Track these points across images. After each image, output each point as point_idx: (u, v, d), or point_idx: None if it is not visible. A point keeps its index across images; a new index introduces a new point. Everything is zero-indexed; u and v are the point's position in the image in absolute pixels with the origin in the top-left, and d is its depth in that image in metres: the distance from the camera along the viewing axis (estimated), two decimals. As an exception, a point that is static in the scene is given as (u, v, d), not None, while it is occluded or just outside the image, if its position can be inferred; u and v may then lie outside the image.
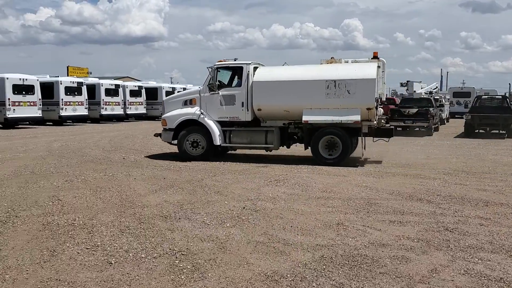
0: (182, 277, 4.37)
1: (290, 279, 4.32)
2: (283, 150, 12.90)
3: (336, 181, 9.34)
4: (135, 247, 5.17)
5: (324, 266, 4.63)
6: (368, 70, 11.59)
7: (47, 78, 27.55)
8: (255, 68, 12.43)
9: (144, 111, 34.08)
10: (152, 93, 35.00)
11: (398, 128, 19.63)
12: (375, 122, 11.62)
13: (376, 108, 11.54)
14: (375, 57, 12.52)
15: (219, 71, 12.60)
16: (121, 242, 5.36)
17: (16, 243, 5.27)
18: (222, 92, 12.35)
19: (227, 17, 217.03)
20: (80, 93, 27.99)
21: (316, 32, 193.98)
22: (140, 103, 33.79)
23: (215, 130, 12.14)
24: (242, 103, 12.15)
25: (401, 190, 8.32)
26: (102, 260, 4.78)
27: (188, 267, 4.60)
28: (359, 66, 12.13)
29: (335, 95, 11.44)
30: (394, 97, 43.58)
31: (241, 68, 12.39)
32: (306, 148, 11.99)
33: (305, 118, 11.60)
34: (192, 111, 12.46)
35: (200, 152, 12.29)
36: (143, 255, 4.92)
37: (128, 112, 32.54)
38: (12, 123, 24.36)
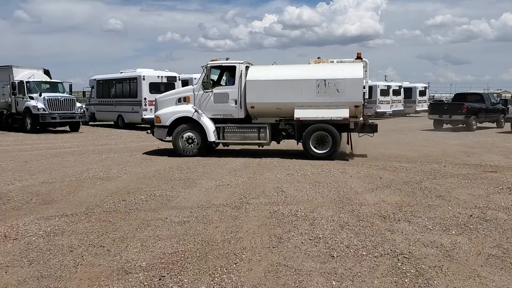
0: (406, 280, 4.22)
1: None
2: (279, 145, 13.03)
3: None
4: (355, 244, 5.22)
5: None
6: (355, 70, 12.27)
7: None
8: (246, 68, 12.99)
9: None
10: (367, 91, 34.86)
11: None
12: (361, 118, 12.39)
13: (363, 106, 12.29)
14: (359, 57, 12.90)
15: (213, 70, 13.18)
16: (342, 237, 5.47)
17: (249, 227, 5.87)
18: (215, 90, 12.93)
19: (449, 9, 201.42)
20: None
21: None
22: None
23: (209, 127, 12.71)
24: (235, 101, 12.77)
25: None
26: (324, 252, 4.96)
27: (412, 271, 4.43)
28: (347, 66, 12.65)
29: (325, 93, 12.13)
30: None
31: (234, 67, 12.95)
32: (298, 143, 12.70)
33: (297, 115, 12.27)
34: (187, 109, 12.95)
35: (195, 148, 12.88)
36: (364, 253, 4.93)
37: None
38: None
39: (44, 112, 21.10)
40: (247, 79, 12.72)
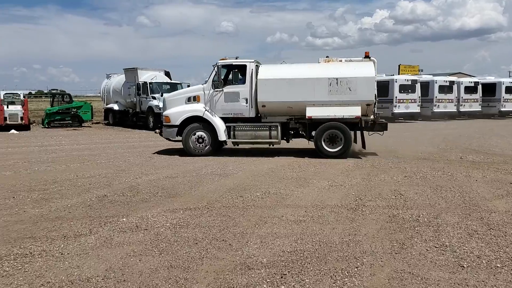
0: (552, 300, 3.79)
1: None
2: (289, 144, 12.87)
3: None
4: (487, 254, 4.81)
5: None
6: (367, 69, 12.32)
7: (383, 77, 28.85)
8: (256, 66, 12.91)
9: (479, 108, 31.63)
10: (489, 89, 32.01)
11: None
12: (372, 117, 12.39)
13: (374, 104, 12.23)
14: (367, 56, 12.80)
15: (222, 69, 12.96)
16: (471, 246, 5.07)
17: (367, 230, 5.70)
18: (226, 89, 12.81)
19: None
20: (413, 91, 28.31)
21: None
22: (475, 100, 31.49)
23: (220, 126, 12.64)
24: (246, 99, 12.70)
25: None
26: (453, 261, 4.63)
27: (559, 290, 3.96)
28: (358, 65, 12.59)
29: (337, 92, 12.13)
30: None
31: (245, 66, 12.83)
32: (309, 141, 12.81)
33: (308, 113, 12.29)
34: (197, 108, 12.87)
35: (205, 147, 12.84)
36: (498, 265, 4.52)
37: (461, 109, 30.88)
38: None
39: (165, 111, 22.59)
40: (258, 78, 12.71)
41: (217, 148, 13.23)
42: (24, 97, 25.10)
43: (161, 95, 22.86)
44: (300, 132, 12.97)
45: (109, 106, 27.73)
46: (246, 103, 12.75)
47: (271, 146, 13.38)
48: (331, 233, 5.58)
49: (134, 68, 24.97)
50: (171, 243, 5.22)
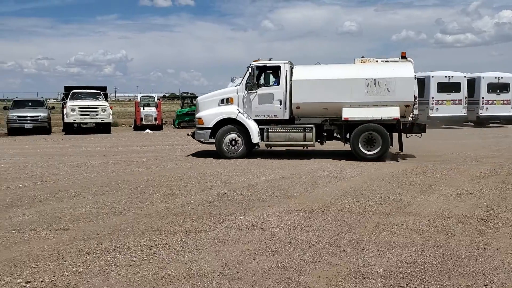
0: None
1: None
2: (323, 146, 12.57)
3: None
4: None
5: None
6: (406, 69, 12.08)
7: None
8: (291, 67, 12.66)
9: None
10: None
11: None
12: (410, 118, 12.18)
13: (413, 105, 12.02)
14: (404, 57, 12.56)
15: (257, 70, 12.71)
16: None
17: (500, 245, 5.13)
18: (260, 91, 12.61)
19: None
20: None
21: None
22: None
23: (254, 128, 12.48)
24: (280, 101, 12.51)
25: None
26: None
27: None
28: (396, 65, 12.33)
29: (374, 92, 11.88)
30: None
31: (279, 67, 12.63)
32: (345, 144, 12.48)
33: (345, 115, 12.02)
34: (231, 110, 12.68)
35: (239, 150, 12.65)
36: None
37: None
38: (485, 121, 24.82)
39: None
40: (293, 79, 12.50)
41: (250, 151, 13.18)
42: (158, 99, 27.34)
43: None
44: (335, 134, 12.85)
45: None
46: (280, 104, 12.62)
47: (305, 149, 13.17)
48: (456, 246, 5.12)
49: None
50: (284, 244, 5.22)
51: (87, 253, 4.95)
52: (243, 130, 12.71)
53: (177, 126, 27.81)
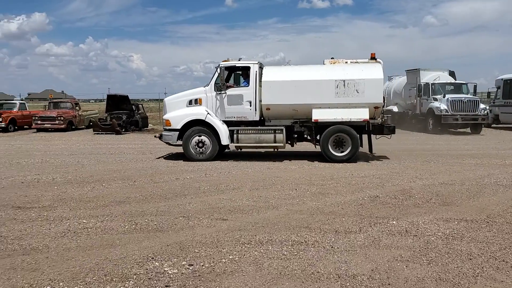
0: None
1: None
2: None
3: None
4: None
5: None
6: (375, 70, 12.04)
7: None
8: (260, 68, 12.47)
9: None
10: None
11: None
12: (379, 120, 12.13)
13: (382, 107, 12.01)
14: (373, 58, 12.51)
15: (226, 71, 12.47)
16: None
17: None
18: (229, 91, 12.33)
19: None
20: None
21: None
22: None
23: (223, 129, 12.16)
24: (250, 102, 12.27)
25: None
26: None
27: None
28: (366, 66, 12.24)
29: (344, 94, 11.86)
30: None
31: (248, 67, 12.39)
32: (315, 145, 12.47)
33: (315, 116, 11.99)
34: (199, 111, 12.35)
35: (207, 152, 12.32)
36: None
37: None
38: None
39: (447, 113, 21.32)
40: (263, 80, 12.24)
41: (220, 153, 12.78)
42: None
43: (443, 96, 21.72)
44: (305, 135, 12.60)
45: (388, 108, 27.87)
46: (250, 106, 12.30)
47: (275, 151, 12.89)
48: None
49: (416, 69, 24.47)
50: (441, 254, 4.88)
51: (243, 243, 5.27)
52: (212, 132, 12.35)
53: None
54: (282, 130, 12.19)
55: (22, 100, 36.38)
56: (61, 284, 4.15)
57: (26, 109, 28.28)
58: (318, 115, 12.04)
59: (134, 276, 4.32)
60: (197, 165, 11.67)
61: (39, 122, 25.00)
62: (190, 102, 12.71)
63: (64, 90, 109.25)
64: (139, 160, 12.77)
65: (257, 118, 12.40)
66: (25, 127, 26.77)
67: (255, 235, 5.55)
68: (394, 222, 6.17)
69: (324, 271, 4.42)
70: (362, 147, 12.49)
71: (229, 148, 13.38)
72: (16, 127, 26.00)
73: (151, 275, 4.35)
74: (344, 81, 11.93)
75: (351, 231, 5.74)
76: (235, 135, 12.28)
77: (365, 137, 12.52)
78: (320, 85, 12.11)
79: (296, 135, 12.73)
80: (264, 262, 4.68)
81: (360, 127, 12.11)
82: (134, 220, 6.32)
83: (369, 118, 11.93)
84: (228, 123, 12.44)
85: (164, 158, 13.17)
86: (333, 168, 11.04)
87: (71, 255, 4.90)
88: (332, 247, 5.14)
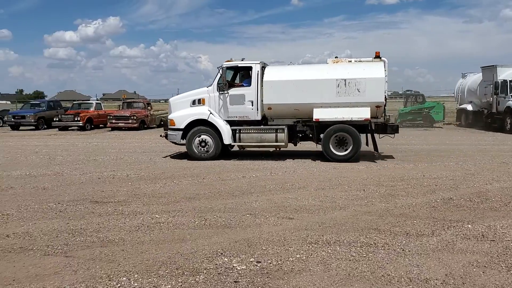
0: None
1: None
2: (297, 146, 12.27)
3: None
4: None
5: None
6: (377, 69, 11.92)
7: None
8: (262, 68, 12.46)
9: None
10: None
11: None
12: (382, 119, 12.10)
13: (384, 106, 11.73)
14: (378, 56, 12.39)
15: (228, 71, 12.67)
16: None
17: None
18: (231, 91, 12.43)
19: None
20: None
21: None
22: None
23: (225, 129, 12.30)
24: (252, 102, 12.35)
25: None
26: None
27: None
28: (368, 65, 12.17)
29: (345, 93, 11.76)
30: None
31: (250, 67, 12.47)
32: (317, 144, 12.41)
33: (316, 116, 11.97)
34: (202, 111, 12.53)
35: (209, 151, 12.47)
36: None
37: None
38: None
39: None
40: (264, 79, 12.27)
41: (223, 152, 12.81)
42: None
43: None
44: (309, 135, 12.51)
45: (462, 106, 26.65)
46: (252, 105, 12.38)
47: (278, 150, 13.00)
48: None
49: (493, 65, 23.15)
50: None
51: (310, 242, 5.25)
52: (214, 132, 12.47)
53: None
54: (283, 129, 12.28)
55: (97, 100, 38.50)
56: (136, 276, 4.35)
57: (102, 109, 29.87)
58: (319, 114, 12.06)
59: (205, 271, 4.44)
60: (262, 163, 11.76)
61: (113, 121, 26.31)
62: (193, 102, 12.95)
63: (136, 90, 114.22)
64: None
65: (259, 117, 12.51)
66: (100, 126, 28.26)
67: (322, 235, 5.51)
68: (469, 225, 5.88)
69: (394, 274, 4.30)
70: (368, 146, 12.61)
71: (232, 147, 13.44)
72: (92, 126, 27.50)
73: (221, 270, 4.45)
74: (345, 80, 11.88)
75: (423, 234, 5.55)
76: (237, 135, 12.45)
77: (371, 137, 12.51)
78: (321, 85, 12.10)
79: (300, 135, 12.74)
80: (332, 262, 4.63)
81: (362, 126, 12.13)
82: (203, 216, 6.49)
83: (371, 117, 11.93)
84: (231, 123, 12.58)
85: (231, 157, 13.39)
86: (404, 169, 10.70)
87: (145, 248, 5.13)
88: (403, 250, 4.99)
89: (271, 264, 4.59)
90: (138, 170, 10.95)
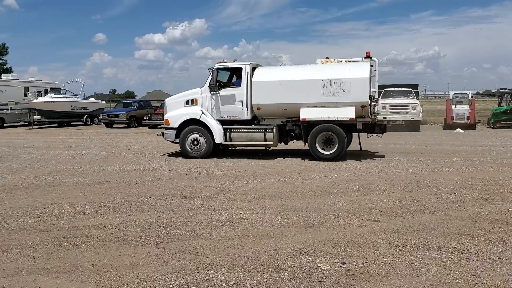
0: None
1: None
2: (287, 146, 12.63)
3: None
4: None
5: None
6: (361, 69, 12.01)
7: None
8: (253, 69, 12.84)
9: None
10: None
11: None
12: (369, 118, 12.02)
13: (370, 105, 11.84)
14: (368, 56, 12.69)
15: (219, 72, 13.01)
16: None
17: None
18: (222, 92, 12.85)
19: None
20: None
21: None
22: None
23: (216, 128, 12.77)
24: (242, 102, 12.71)
25: None
26: None
27: None
28: (353, 66, 12.40)
29: (330, 93, 11.95)
30: None
31: (240, 69, 12.84)
32: (305, 144, 12.52)
33: (302, 116, 12.19)
34: (194, 111, 13.02)
35: (202, 149, 12.96)
36: None
37: None
38: None
39: None
40: (252, 80, 12.59)
41: (216, 151, 13.28)
42: (471, 96, 25.50)
43: None
44: (299, 134, 12.75)
45: None
46: (242, 105, 12.71)
47: (268, 149, 13.50)
48: None
49: None
50: None
51: (397, 246, 5.10)
52: (206, 131, 12.91)
53: (492, 126, 25.28)
54: (272, 128, 12.58)
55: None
56: (223, 269, 4.49)
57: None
58: (306, 114, 12.24)
59: (289, 268, 4.48)
60: (345, 164, 11.59)
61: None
62: (187, 103, 13.43)
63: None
64: (287, 157, 13.15)
65: (249, 117, 12.85)
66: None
67: (410, 239, 5.32)
68: None
69: (490, 283, 4.06)
70: (360, 145, 13.08)
71: (222, 146, 13.64)
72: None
73: (305, 269, 4.46)
74: (330, 80, 12.01)
75: (522, 243, 5.16)
76: (228, 134, 12.88)
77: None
78: (307, 85, 12.26)
79: (292, 134, 13.01)
80: (421, 267, 4.46)
81: (349, 126, 12.25)
82: (286, 214, 6.54)
83: (358, 117, 11.99)
84: (223, 122, 13.01)
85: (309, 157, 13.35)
86: (498, 172, 10.01)
87: (231, 243, 5.27)
88: (499, 258, 4.69)
89: (356, 266, 4.52)
90: (222, 167, 11.27)
